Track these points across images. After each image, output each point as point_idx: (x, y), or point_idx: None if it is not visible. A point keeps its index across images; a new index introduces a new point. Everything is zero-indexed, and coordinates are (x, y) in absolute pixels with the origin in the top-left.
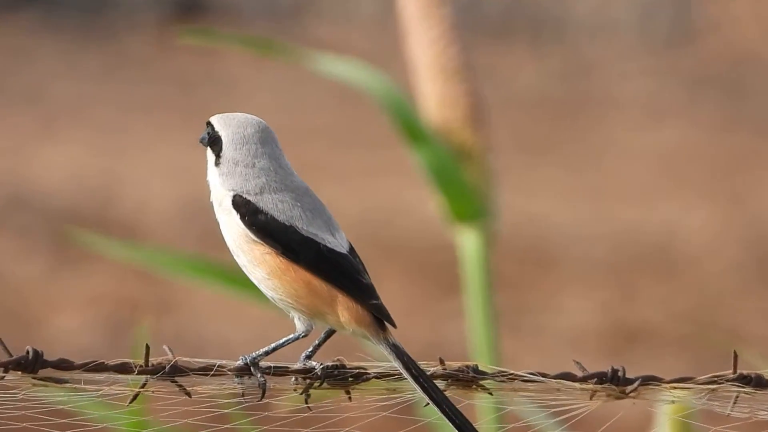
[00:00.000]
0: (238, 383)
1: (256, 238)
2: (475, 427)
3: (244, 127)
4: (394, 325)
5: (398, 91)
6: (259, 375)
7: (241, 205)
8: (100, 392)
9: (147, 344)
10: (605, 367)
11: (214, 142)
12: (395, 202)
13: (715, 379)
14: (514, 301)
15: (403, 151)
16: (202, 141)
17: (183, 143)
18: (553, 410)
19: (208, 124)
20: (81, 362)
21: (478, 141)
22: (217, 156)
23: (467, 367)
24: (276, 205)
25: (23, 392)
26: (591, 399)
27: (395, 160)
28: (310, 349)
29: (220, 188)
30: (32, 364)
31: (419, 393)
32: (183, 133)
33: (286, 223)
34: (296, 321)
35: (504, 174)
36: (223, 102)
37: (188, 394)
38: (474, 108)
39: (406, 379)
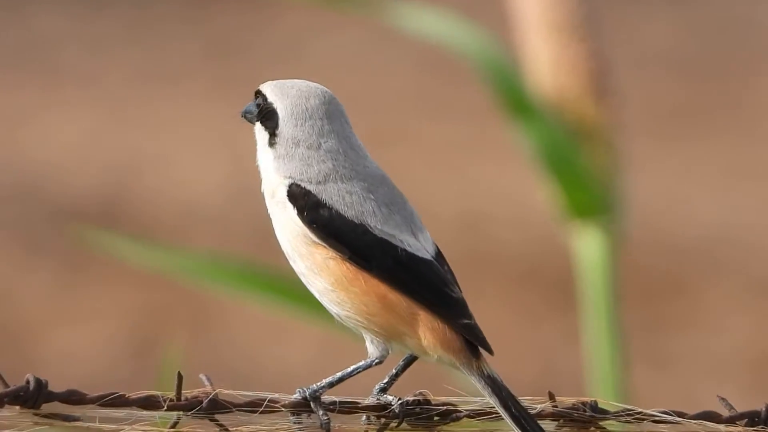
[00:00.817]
0: (295, 423)
1: (316, 239)
2: None
3: (306, 97)
4: (490, 352)
5: (499, 51)
6: (321, 413)
7: (298, 196)
8: None
9: (179, 372)
10: (761, 404)
11: (267, 116)
12: (492, 191)
13: None
14: (647, 318)
15: (504, 127)
16: (247, 114)
17: (224, 117)
18: None
19: (258, 93)
20: (95, 395)
21: (602, 115)
22: (272, 134)
23: (584, 404)
24: (343, 198)
25: None
26: None
27: (492, 138)
28: (385, 380)
29: (274, 175)
30: (34, 397)
31: None
32: (222, 105)
33: (355, 220)
34: (368, 344)
35: (635, 156)
36: (273, 66)
37: None
38: (597, 73)
39: (504, 419)
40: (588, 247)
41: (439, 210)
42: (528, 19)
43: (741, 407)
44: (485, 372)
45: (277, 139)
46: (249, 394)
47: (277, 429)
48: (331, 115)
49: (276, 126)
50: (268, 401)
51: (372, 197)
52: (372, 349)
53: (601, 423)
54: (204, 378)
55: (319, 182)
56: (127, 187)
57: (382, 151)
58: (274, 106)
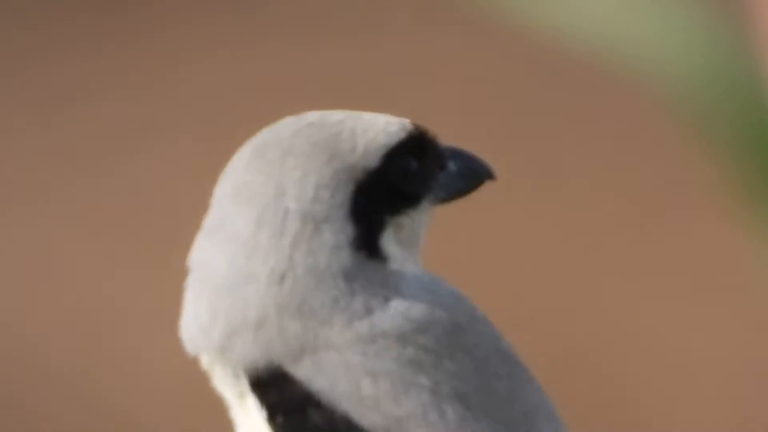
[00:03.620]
0: None
1: None
2: None
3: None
4: None
5: (739, 67)
6: None
7: (269, 384)
8: None
9: None
10: None
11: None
12: (696, 346)
13: None
14: None
15: (737, 219)
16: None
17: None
18: None
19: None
20: None
21: None
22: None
23: None
24: (359, 385)
25: None
26: None
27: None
28: None
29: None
30: None
31: None
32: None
33: None
34: None
35: None
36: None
37: None
38: None
39: None
40: None
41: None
42: None
43: None
44: None
45: None
46: None
47: None
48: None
49: None
50: None
51: (425, 380)
52: None
53: None
54: None
55: (315, 349)
56: None
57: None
58: None
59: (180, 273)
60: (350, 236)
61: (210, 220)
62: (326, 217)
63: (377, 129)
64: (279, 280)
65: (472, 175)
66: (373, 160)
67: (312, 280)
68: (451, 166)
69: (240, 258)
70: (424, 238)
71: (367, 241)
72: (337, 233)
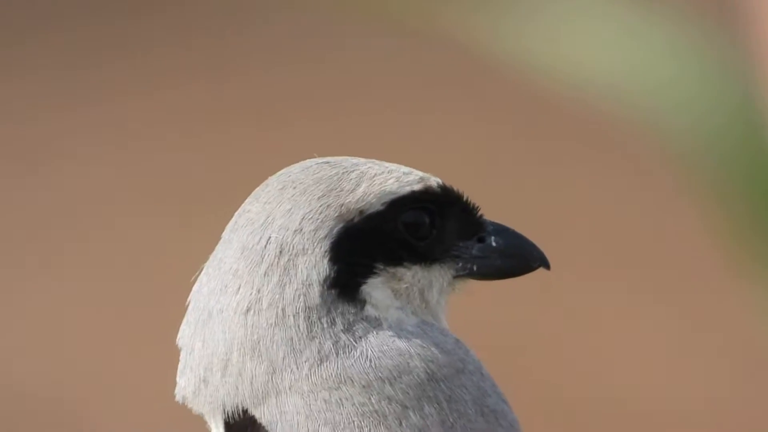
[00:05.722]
0: None
1: None
2: None
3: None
4: None
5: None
6: None
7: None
8: None
9: None
10: None
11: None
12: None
13: None
14: None
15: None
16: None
17: None
18: None
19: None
20: None
21: None
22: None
23: None
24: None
25: None
26: None
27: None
28: None
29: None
30: None
31: None
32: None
33: None
34: None
35: None
36: None
37: None
38: None
39: None
40: None
41: None
42: None
43: None
44: None
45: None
46: None
47: None
48: None
49: None
50: None
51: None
52: None
53: None
54: None
55: (279, 392)
56: None
57: None
58: None
59: None
60: (324, 273)
61: (214, 252)
62: (304, 250)
63: (390, 177)
64: (244, 313)
65: (518, 256)
66: (375, 205)
67: (273, 316)
68: (493, 241)
69: (218, 288)
70: (445, 302)
71: (344, 281)
72: (311, 268)
